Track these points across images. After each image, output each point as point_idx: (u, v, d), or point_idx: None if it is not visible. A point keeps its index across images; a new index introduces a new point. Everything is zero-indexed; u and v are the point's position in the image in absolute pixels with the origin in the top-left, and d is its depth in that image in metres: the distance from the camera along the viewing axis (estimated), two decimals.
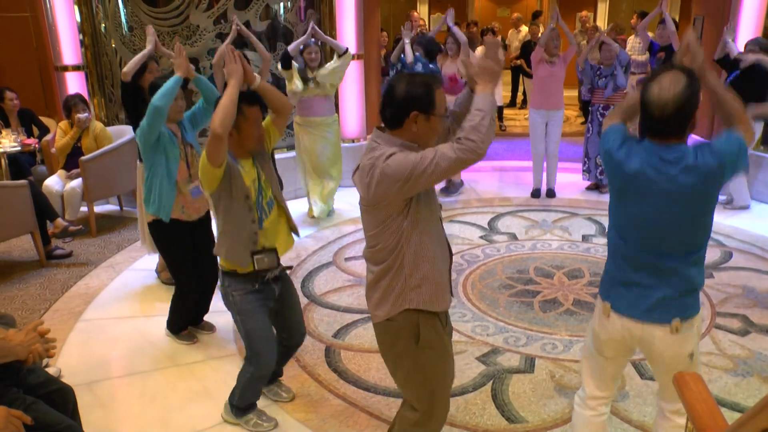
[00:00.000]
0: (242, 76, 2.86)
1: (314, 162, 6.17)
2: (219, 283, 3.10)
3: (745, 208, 6.43)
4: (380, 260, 2.40)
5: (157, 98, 3.55)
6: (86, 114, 6.03)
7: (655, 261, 2.32)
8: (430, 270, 2.38)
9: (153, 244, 4.70)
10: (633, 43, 9.23)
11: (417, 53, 6.37)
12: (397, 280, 2.37)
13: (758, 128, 6.10)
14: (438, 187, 6.92)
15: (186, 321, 4.13)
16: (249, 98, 2.93)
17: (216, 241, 3.07)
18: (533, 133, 6.94)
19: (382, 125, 2.36)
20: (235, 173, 2.91)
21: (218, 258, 3.09)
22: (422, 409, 2.55)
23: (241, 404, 3.25)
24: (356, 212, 6.61)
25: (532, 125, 6.93)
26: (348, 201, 6.57)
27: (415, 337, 2.41)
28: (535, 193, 7.04)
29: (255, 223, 2.97)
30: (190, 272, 3.95)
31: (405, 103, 2.26)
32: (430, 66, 6.32)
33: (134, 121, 4.16)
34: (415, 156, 2.19)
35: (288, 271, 3.24)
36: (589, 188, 7.21)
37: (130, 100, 4.38)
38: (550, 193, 6.97)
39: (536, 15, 13.26)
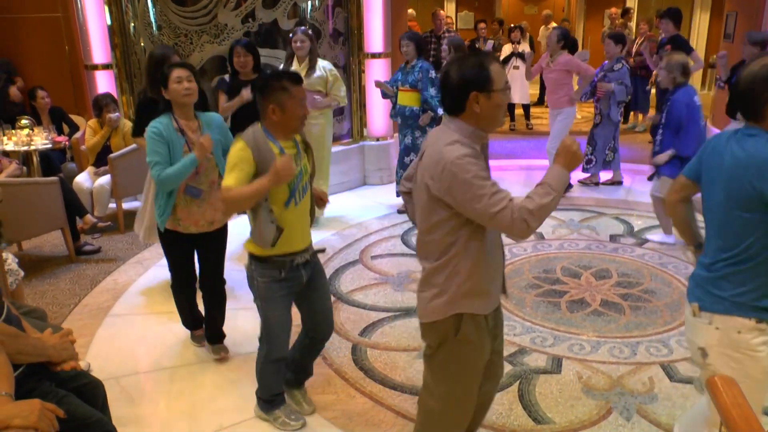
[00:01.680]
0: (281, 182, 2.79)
1: None
2: (247, 264, 3.05)
3: None
4: (431, 256, 2.32)
5: (169, 176, 3.39)
6: (117, 114, 6.12)
7: (708, 237, 2.37)
8: (486, 277, 2.31)
9: (147, 231, 4.62)
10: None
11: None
12: (449, 284, 2.29)
13: None
14: None
15: (190, 321, 3.97)
16: (293, 77, 2.86)
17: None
18: None
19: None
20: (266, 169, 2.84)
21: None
22: (439, 408, 2.45)
23: (264, 395, 3.20)
24: (382, 210, 6.64)
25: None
26: (374, 199, 6.56)
27: (455, 329, 2.32)
28: None
29: (281, 208, 2.88)
30: (183, 276, 3.83)
31: (462, 86, 2.19)
32: (421, 65, 5.97)
33: (137, 128, 4.21)
34: (484, 189, 2.11)
35: (319, 254, 3.15)
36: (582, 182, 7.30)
37: (144, 115, 4.20)
38: None
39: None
